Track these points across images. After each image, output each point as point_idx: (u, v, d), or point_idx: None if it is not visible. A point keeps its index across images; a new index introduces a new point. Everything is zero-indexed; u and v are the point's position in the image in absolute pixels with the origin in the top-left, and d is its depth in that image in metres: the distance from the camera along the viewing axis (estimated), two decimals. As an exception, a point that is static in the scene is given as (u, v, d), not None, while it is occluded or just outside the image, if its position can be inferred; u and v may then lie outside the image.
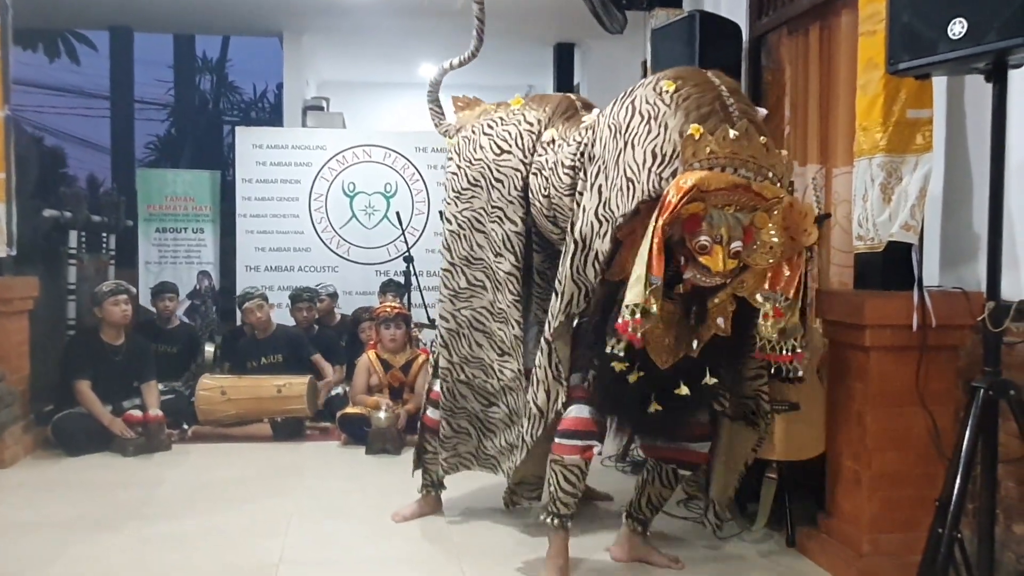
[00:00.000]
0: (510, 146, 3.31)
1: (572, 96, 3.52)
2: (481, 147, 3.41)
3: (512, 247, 3.28)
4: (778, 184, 2.57)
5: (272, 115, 15.07)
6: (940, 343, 2.92)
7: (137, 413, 5.00)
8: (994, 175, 2.22)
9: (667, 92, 2.71)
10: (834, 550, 3.11)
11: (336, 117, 8.50)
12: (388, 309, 5.54)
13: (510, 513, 3.72)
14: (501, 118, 3.43)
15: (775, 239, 2.48)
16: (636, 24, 5.65)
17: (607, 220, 2.73)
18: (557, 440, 2.92)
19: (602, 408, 2.89)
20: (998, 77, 2.18)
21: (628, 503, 3.25)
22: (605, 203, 2.75)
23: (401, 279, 6.77)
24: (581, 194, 2.93)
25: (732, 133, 2.52)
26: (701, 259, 2.45)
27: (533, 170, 3.22)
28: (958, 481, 2.19)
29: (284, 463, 4.78)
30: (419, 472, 3.77)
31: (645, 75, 4.23)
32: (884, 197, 2.93)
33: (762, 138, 2.59)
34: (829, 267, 3.87)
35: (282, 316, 6.43)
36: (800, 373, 2.61)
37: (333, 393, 5.85)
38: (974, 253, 2.95)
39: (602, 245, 2.73)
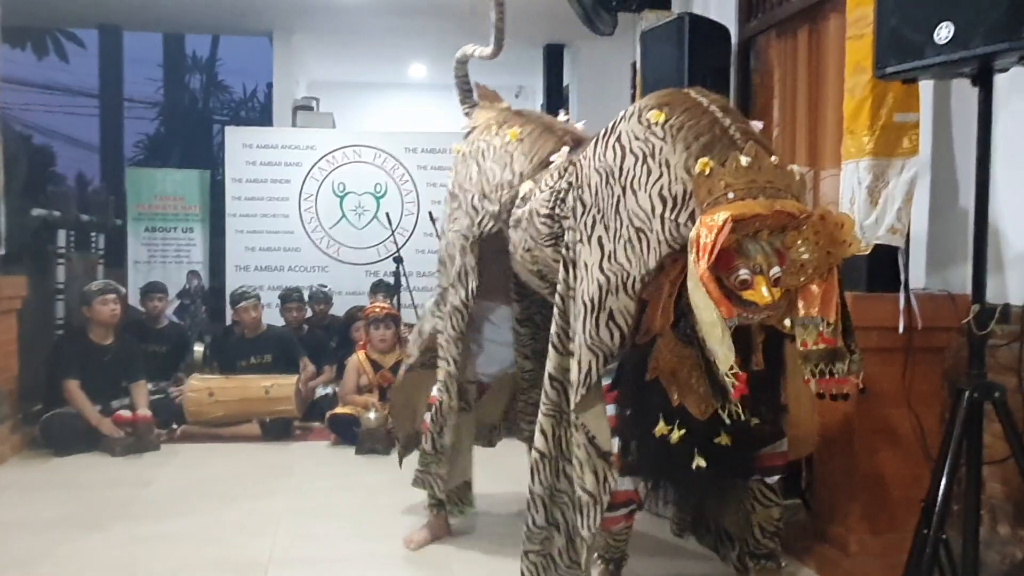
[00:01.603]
0: (492, 191, 3.12)
1: (570, 135, 3.19)
2: (469, 178, 3.23)
3: (465, 283, 3.16)
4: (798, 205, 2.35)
5: (262, 115, 15.01)
6: (926, 345, 2.94)
7: (126, 413, 4.98)
8: (980, 179, 2.24)
9: (657, 124, 2.47)
10: (821, 550, 3.13)
11: (326, 117, 8.49)
12: (378, 310, 5.54)
13: (499, 512, 3.72)
14: (494, 148, 3.20)
15: (805, 255, 2.27)
16: (626, 26, 5.67)
17: (616, 275, 2.47)
18: (608, 514, 2.62)
19: (649, 476, 2.63)
20: (984, 81, 2.19)
21: (745, 544, 2.87)
22: (610, 256, 2.50)
23: (391, 279, 6.77)
24: (566, 246, 2.70)
25: (744, 160, 2.31)
26: (744, 295, 2.22)
27: (512, 224, 3.02)
28: (943, 482, 2.21)
29: (273, 463, 4.77)
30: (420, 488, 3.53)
31: (635, 76, 4.24)
32: (871, 200, 2.95)
33: (773, 158, 2.39)
34: (817, 269, 3.88)
35: (272, 316, 6.41)
36: (846, 391, 2.38)
37: (323, 393, 5.84)
38: (960, 256, 2.97)
39: (617, 303, 2.48)
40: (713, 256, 2.16)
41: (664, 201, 2.40)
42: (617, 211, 2.49)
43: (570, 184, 2.73)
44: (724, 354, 2.17)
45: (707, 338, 2.22)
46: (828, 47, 3.87)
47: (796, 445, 3.34)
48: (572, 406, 2.60)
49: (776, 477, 2.74)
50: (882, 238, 2.93)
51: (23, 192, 6.29)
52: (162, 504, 3.95)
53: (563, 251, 2.71)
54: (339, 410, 5.29)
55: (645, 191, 2.43)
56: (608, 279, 2.48)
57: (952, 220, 3.04)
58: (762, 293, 2.20)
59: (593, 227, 2.57)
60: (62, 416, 4.94)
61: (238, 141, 7.57)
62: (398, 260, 6.64)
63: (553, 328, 2.72)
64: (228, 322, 6.69)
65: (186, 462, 4.77)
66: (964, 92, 2.70)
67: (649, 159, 2.45)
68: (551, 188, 2.81)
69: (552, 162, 2.95)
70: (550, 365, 2.72)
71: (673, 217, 2.37)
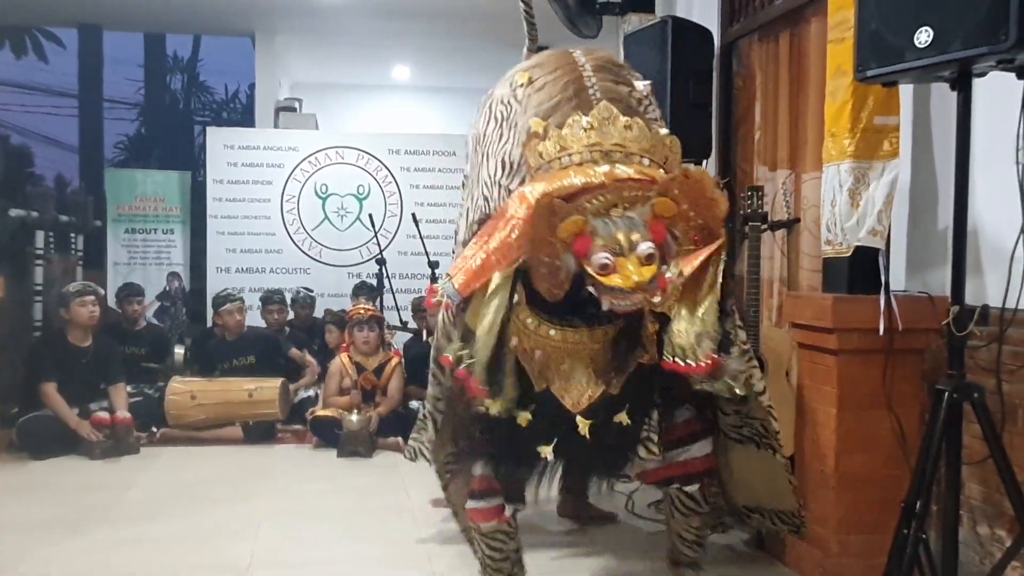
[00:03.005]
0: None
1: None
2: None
3: None
4: (661, 171, 2.15)
5: (244, 116, 14.95)
6: (906, 347, 2.96)
7: (104, 415, 4.93)
8: (958, 182, 2.25)
9: (520, 87, 2.30)
10: (802, 551, 3.14)
11: (309, 118, 8.46)
12: (362, 311, 5.51)
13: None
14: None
15: (699, 220, 2.07)
16: (609, 29, 5.68)
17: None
18: (469, 504, 2.54)
19: (499, 460, 2.45)
20: (963, 85, 2.21)
21: (668, 551, 2.84)
22: (471, 226, 2.33)
23: (374, 281, 6.74)
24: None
25: (585, 121, 2.09)
26: (605, 281, 2.00)
27: None
28: (923, 483, 2.22)
29: (255, 466, 4.74)
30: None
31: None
32: (852, 203, 2.97)
33: (628, 119, 2.14)
34: (798, 271, 3.91)
35: (253, 318, 6.37)
36: (738, 391, 2.20)
37: (305, 395, 5.82)
38: (939, 258, 2.99)
39: None
40: (528, 233, 1.98)
41: (503, 166, 2.25)
42: (478, 178, 2.37)
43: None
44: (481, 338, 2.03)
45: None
46: (810, 50, 3.89)
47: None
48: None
49: (695, 486, 2.56)
50: (863, 240, 2.95)
51: (1, 192, 6.24)
52: (142, 508, 3.91)
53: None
54: (321, 412, 5.26)
55: (494, 156, 2.29)
56: (464, 246, 2.32)
57: (931, 222, 3.06)
58: (627, 275, 1.98)
59: (466, 199, 2.46)
60: (39, 419, 4.89)
61: (220, 142, 7.53)
62: (381, 262, 6.61)
63: None
64: (209, 324, 6.64)
65: (166, 465, 4.73)
66: (943, 96, 2.73)
67: (504, 124, 2.31)
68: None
69: None
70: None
71: (507, 183, 2.20)
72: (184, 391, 5.33)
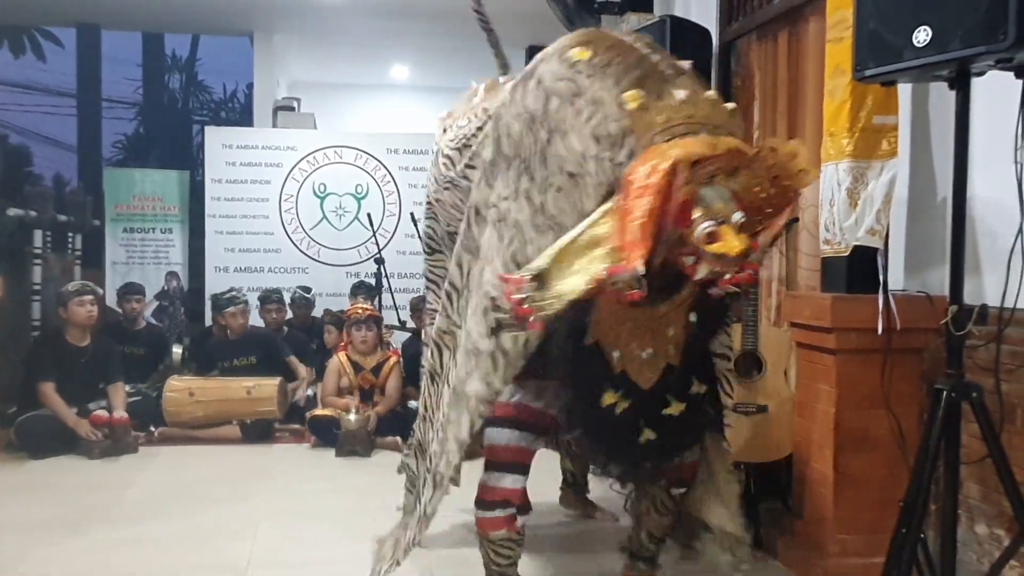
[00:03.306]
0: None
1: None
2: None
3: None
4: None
5: (242, 115, 14.97)
6: (904, 346, 2.96)
7: (103, 413, 4.93)
8: (957, 181, 2.26)
9: (581, 62, 2.25)
10: (800, 551, 3.14)
11: (307, 118, 8.45)
12: (360, 311, 5.51)
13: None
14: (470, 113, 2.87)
15: (762, 194, 2.08)
16: (608, 28, 5.68)
17: (552, 229, 2.21)
18: (479, 513, 2.55)
19: (592, 454, 2.51)
20: (961, 84, 2.21)
21: (627, 539, 2.87)
22: (542, 208, 2.25)
23: (372, 281, 6.74)
24: (475, 207, 2.47)
25: (680, 93, 2.11)
26: (710, 249, 1.98)
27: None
28: (922, 482, 2.22)
29: (253, 465, 4.74)
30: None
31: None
32: (850, 202, 2.97)
33: (708, 93, 2.20)
34: (797, 271, 3.91)
35: (251, 317, 6.36)
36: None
37: (309, 393, 5.81)
38: (938, 257, 2.99)
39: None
40: (664, 196, 1.94)
41: (599, 141, 2.16)
42: (544, 158, 2.25)
43: (478, 130, 2.52)
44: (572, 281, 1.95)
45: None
46: (808, 50, 3.89)
47: (775, 446, 3.38)
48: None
49: (682, 490, 2.64)
50: (861, 240, 2.95)
51: (-1, 192, 6.23)
52: (140, 507, 3.91)
53: (468, 208, 2.47)
54: (319, 412, 5.26)
55: (577, 133, 2.20)
56: (545, 237, 2.21)
57: (930, 222, 3.07)
58: (731, 243, 1.97)
59: (519, 180, 2.33)
60: (38, 418, 4.88)
61: (218, 141, 7.52)
62: (379, 261, 6.61)
63: (447, 282, 2.51)
64: (208, 323, 6.63)
65: (165, 465, 4.73)
66: (942, 95, 2.73)
67: (576, 98, 2.22)
68: (462, 130, 2.63)
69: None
70: (438, 321, 2.55)
71: (609, 156, 2.14)
72: (182, 388, 5.33)
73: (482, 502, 2.54)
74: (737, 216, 2.01)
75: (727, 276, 2.05)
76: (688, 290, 2.17)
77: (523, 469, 2.55)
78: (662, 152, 1.98)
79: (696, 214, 1.99)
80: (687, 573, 3.17)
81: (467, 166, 2.58)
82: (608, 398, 2.22)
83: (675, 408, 2.27)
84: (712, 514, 2.72)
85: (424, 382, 2.76)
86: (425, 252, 3.11)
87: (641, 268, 1.91)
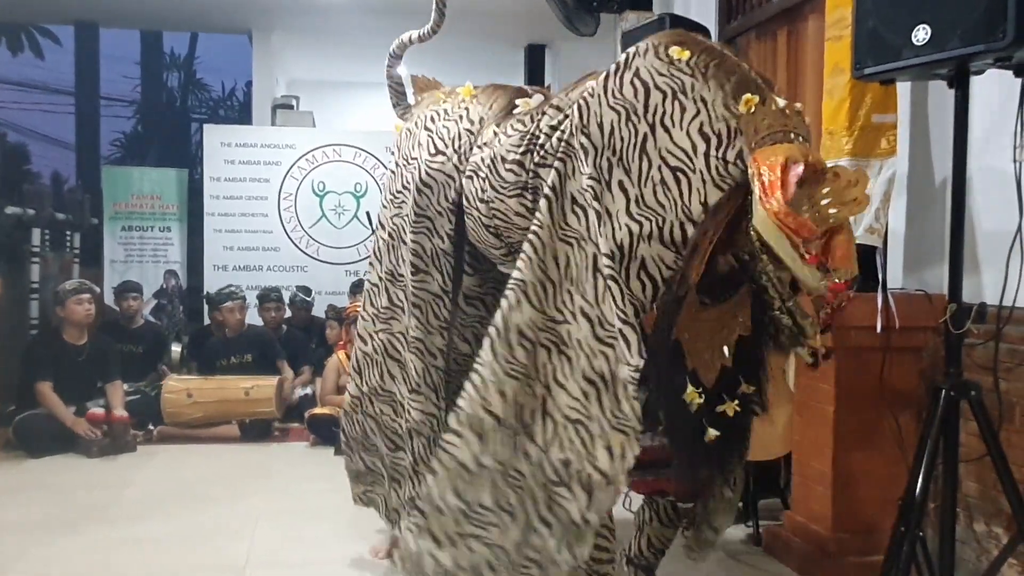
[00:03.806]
0: (446, 146, 2.83)
1: (530, 88, 3.02)
2: (419, 144, 2.92)
3: (440, 265, 2.86)
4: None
5: (241, 113, 14.97)
6: (903, 344, 2.97)
7: (99, 411, 4.92)
8: (956, 179, 2.26)
9: (681, 60, 2.29)
10: (799, 549, 3.14)
11: (306, 116, 8.45)
12: (358, 309, 5.50)
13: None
14: (446, 111, 2.94)
15: (832, 211, 2.08)
16: (607, 26, 5.68)
17: (649, 220, 2.24)
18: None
19: (675, 452, 2.42)
20: (960, 83, 2.21)
21: (627, 547, 2.82)
22: (638, 201, 2.27)
23: (371, 279, 6.74)
24: (534, 194, 2.50)
25: (780, 102, 2.17)
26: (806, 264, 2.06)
27: (468, 173, 2.74)
28: (920, 480, 2.22)
29: (252, 464, 4.74)
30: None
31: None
32: (850, 200, 2.96)
33: (797, 105, 2.26)
34: (796, 269, 3.91)
35: (250, 316, 6.36)
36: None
37: (302, 393, 5.81)
38: (937, 256, 2.99)
39: (650, 251, 2.25)
40: (789, 192, 1.98)
41: (707, 139, 2.21)
42: (644, 151, 2.28)
43: (553, 128, 2.51)
44: (811, 273, 2.03)
45: (792, 269, 2.04)
46: (807, 48, 3.89)
47: (774, 444, 3.37)
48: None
49: (689, 505, 2.63)
50: (861, 238, 2.95)
51: (-3, 190, 6.23)
52: (139, 506, 3.90)
53: (559, 199, 2.42)
54: (318, 411, 5.26)
55: (681, 128, 2.24)
56: (640, 225, 2.25)
57: (929, 220, 3.07)
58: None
59: (610, 171, 2.33)
60: (36, 417, 4.88)
61: (216, 140, 7.52)
62: (378, 260, 6.61)
63: (527, 275, 2.40)
64: (206, 322, 6.63)
65: (163, 463, 4.72)
66: (941, 93, 2.73)
67: (680, 95, 2.26)
68: (522, 132, 2.59)
69: (517, 107, 2.76)
70: (519, 318, 2.40)
71: (720, 155, 2.18)
72: (180, 389, 5.32)
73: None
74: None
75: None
76: (745, 290, 2.17)
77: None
78: (782, 152, 2.03)
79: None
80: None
81: (538, 165, 2.52)
82: (691, 395, 2.20)
83: (729, 407, 2.25)
84: (711, 506, 2.69)
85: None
86: (411, 272, 2.91)
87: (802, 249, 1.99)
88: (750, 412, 2.38)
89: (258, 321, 6.35)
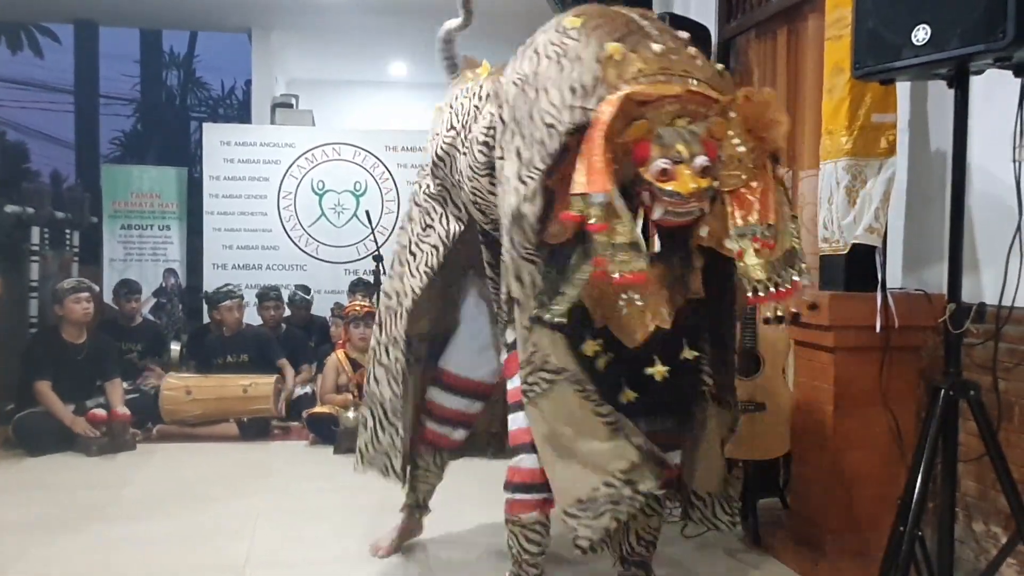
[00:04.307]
0: (457, 121, 2.84)
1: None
2: (442, 121, 2.95)
3: (447, 226, 2.95)
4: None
5: (240, 112, 14.95)
6: (902, 344, 2.97)
7: (100, 412, 4.92)
8: (955, 179, 2.26)
9: (573, 28, 2.37)
10: (798, 548, 3.15)
11: (305, 115, 8.44)
12: (358, 308, 5.51)
13: (479, 509, 3.71)
14: (467, 88, 2.93)
15: (742, 147, 2.13)
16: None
17: (532, 179, 2.27)
18: (509, 496, 2.54)
19: None
20: (960, 83, 2.22)
21: (617, 544, 2.79)
22: (528, 164, 2.33)
23: (370, 278, 6.74)
24: (496, 176, 2.56)
25: (656, 47, 2.20)
26: (664, 186, 2.08)
27: (463, 151, 2.78)
28: (919, 480, 2.23)
29: (251, 463, 4.74)
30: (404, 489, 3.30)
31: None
32: (849, 200, 2.97)
33: (694, 50, 2.29)
34: (795, 268, 3.91)
35: (249, 315, 6.37)
36: (794, 309, 2.27)
37: (301, 392, 5.82)
38: (936, 256, 3.00)
39: (531, 208, 2.26)
40: (610, 128, 2.02)
41: (574, 91, 2.24)
42: (531, 116, 2.33)
43: (499, 107, 2.56)
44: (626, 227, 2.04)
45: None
46: (807, 48, 3.89)
47: (773, 443, 3.38)
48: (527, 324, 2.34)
49: (662, 491, 2.55)
50: (860, 238, 2.96)
51: (-4, 189, 6.23)
52: (138, 505, 3.90)
53: (496, 177, 2.54)
54: (317, 409, 5.26)
55: (556, 88, 2.29)
56: (526, 184, 2.28)
57: (928, 220, 3.07)
58: (685, 182, 2.06)
59: (512, 139, 2.41)
60: (35, 416, 4.87)
61: (216, 138, 7.51)
62: (378, 259, 6.58)
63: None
64: (205, 320, 6.63)
65: (163, 462, 4.72)
66: (940, 93, 2.73)
67: (562, 58, 2.32)
68: (490, 113, 2.64)
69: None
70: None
71: (582, 104, 2.21)
72: (179, 387, 5.32)
73: (513, 485, 2.52)
74: (701, 160, 2.08)
75: (763, 294, 2.13)
76: (694, 256, 2.22)
77: None
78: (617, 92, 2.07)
79: (653, 152, 2.08)
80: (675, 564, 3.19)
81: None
82: (589, 347, 2.24)
83: (658, 371, 2.28)
84: (704, 483, 2.67)
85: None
86: (420, 228, 3.05)
87: (607, 189, 2.01)
88: (696, 378, 2.42)
89: (257, 320, 6.35)
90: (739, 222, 2.13)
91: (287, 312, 6.60)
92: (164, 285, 7.88)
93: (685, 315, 2.29)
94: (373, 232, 6.88)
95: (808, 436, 3.16)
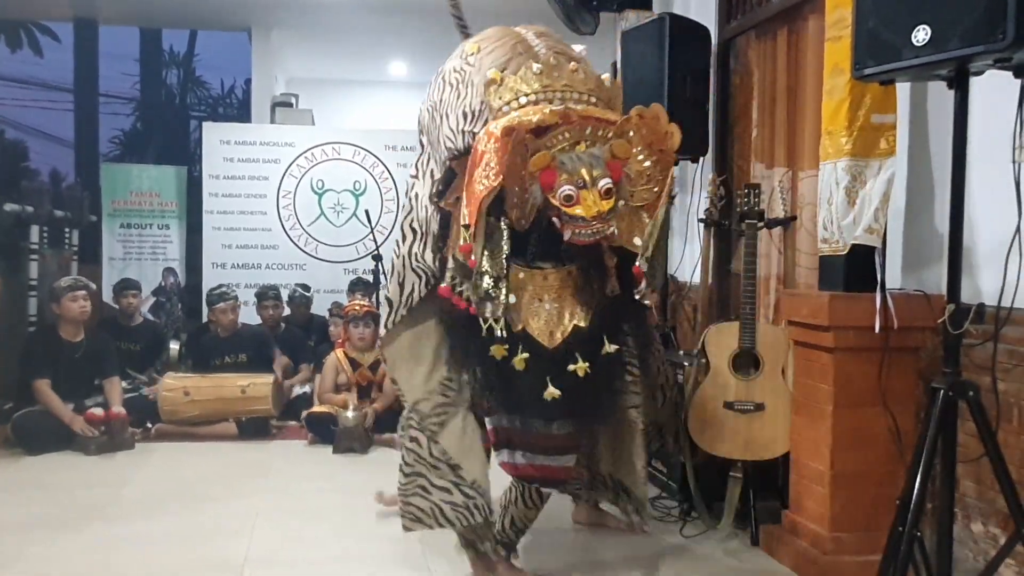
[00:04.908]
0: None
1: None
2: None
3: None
4: (610, 112, 2.42)
5: (240, 111, 14.95)
6: (902, 344, 2.97)
7: (99, 411, 4.91)
8: (955, 180, 2.26)
9: (471, 55, 2.58)
10: (797, 548, 3.15)
11: (305, 114, 8.44)
12: (357, 307, 5.51)
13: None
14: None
15: (647, 163, 2.31)
16: (606, 25, 5.68)
17: (435, 202, 2.60)
18: (501, 458, 2.75)
19: (503, 409, 2.61)
20: (960, 84, 2.21)
21: (495, 532, 2.93)
22: (438, 186, 2.59)
23: (370, 277, 6.74)
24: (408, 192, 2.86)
25: (536, 67, 2.36)
26: (571, 211, 2.26)
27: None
28: (918, 480, 2.23)
29: (250, 462, 4.74)
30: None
31: (615, 76, 4.25)
32: (848, 201, 2.97)
33: (575, 64, 2.44)
34: (795, 269, 3.92)
35: (248, 314, 6.36)
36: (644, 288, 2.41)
37: (300, 392, 5.81)
38: (935, 256, 3.00)
39: (435, 226, 2.60)
40: (495, 169, 2.20)
41: (465, 116, 2.45)
42: (439, 140, 2.55)
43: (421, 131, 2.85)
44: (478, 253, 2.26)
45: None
46: (807, 48, 3.89)
47: (773, 443, 3.38)
48: (390, 327, 2.73)
49: (550, 490, 2.81)
50: (860, 238, 2.96)
51: (-5, 187, 6.23)
52: (137, 504, 3.90)
53: (409, 190, 2.87)
54: (316, 409, 5.25)
55: (453, 113, 2.50)
56: (434, 207, 2.54)
57: (928, 221, 3.07)
58: (589, 206, 2.23)
59: (428, 163, 2.69)
60: (34, 415, 4.87)
61: (216, 137, 7.51)
62: (377, 258, 6.59)
63: None
64: (204, 320, 6.63)
65: (161, 461, 4.72)
66: (940, 94, 2.73)
67: (460, 85, 2.54)
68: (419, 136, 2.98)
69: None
70: None
71: (470, 129, 2.40)
72: (177, 387, 5.32)
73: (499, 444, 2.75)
74: (604, 183, 2.26)
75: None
76: (605, 257, 2.40)
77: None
78: (498, 121, 2.26)
79: (559, 180, 2.25)
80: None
81: None
82: (497, 351, 2.38)
83: (580, 367, 2.40)
84: (627, 477, 2.88)
85: None
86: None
87: (471, 222, 2.23)
88: (619, 370, 2.61)
89: (256, 319, 6.35)
90: (647, 220, 2.35)
91: (286, 311, 6.60)
92: (163, 284, 7.87)
93: (603, 312, 2.45)
94: (372, 231, 6.90)
95: (807, 436, 3.16)
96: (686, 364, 3.71)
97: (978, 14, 2.02)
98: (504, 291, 2.31)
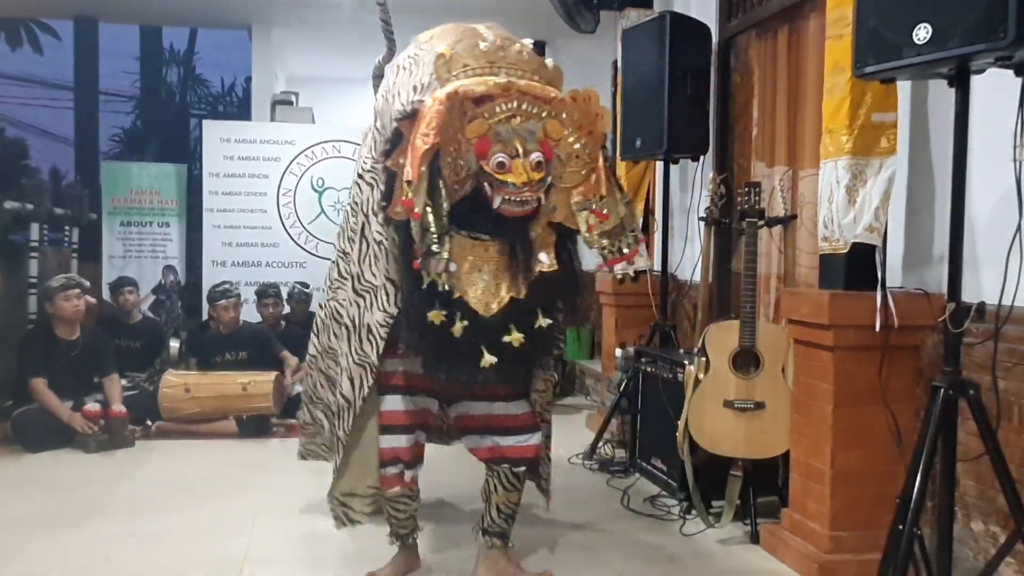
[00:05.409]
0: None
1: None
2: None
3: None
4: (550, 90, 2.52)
5: (240, 109, 14.95)
6: (902, 343, 2.97)
7: (95, 407, 4.91)
8: (956, 178, 2.26)
9: (425, 42, 2.72)
10: (797, 546, 3.15)
11: (305, 112, 8.43)
12: (356, 306, 5.50)
13: (473, 507, 3.71)
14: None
15: (577, 144, 2.45)
16: (607, 24, 5.68)
17: (378, 164, 2.69)
18: (381, 471, 2.85)
19: (431, 370, 2.66)
20: (961, 82, 2.22)
21: (480, 519, 2.98)
22: (384, 144, 2.63)
23: (370, 276, 6.73)
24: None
25: (483, 45, 2.49)
26: (502, 178, 2.38)
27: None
28: (918, 479, 2.23)
29: (250, 460, 4.73)
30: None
31: (616, 74, 4.26)
32: (849, 199, 2.97)
33: (521, 46, 2.58)
34: (795, 268, 3.92)
35: (248, 312, 6.36)
36: (642, 265, 2.62)
37: (300, 390, 5.80)
38: (936, 255, 3.00)
39: (380, 189, 2.68)
40: (437, 126, 2.28)
41: (415, 89, 2.55)
42: (390, 119, 2.59)
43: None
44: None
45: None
46: (808, 47, 3.89)
47: (773, 442, 3.38)
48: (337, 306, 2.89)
49: (522, 468, 2.87)
50: (860, 237, 2.95)
51: (-5, 185, 6.22)
52: (136, 502, 3.90)
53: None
54: (317, 407, 5.25)
55: (404, 90, 2.59)
56: (382, 165, 2.60)
57: (928, 219, 3.07)
58: (519, 174, 2.35)
59: (378, 145, 2.73)
60: (33, 412, 4.87)
61: (216, 135, 7.50)
62: (377, 257, 6.61)
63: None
64: (204, 317, 6.63)
65: (161, 459, 4.72)
66: (941, 92, 2.73)
67: (412, 66, 2.65)
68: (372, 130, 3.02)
69: None
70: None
71: (419, 98, 2.46)
72: (178, 384, 5.32)
73: (380, 463, 2.85)
74: (535, 156, 2.39)
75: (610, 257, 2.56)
76: (538, 230, 2.50)
77: (409, 429, 2.85)
78: (444, 88, 2.35)
79: (493, 148, 2.38)
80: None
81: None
82: (435, 316, 2.45)
83: (515, 338, 2.48)
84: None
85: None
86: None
87: (413, 177, 2.30)
88: (550, 345, 2.70)
89: (257, 317, 6.34)
90: (578, 199, 2.49)
91: (287, 309, 6.59)
92: (163, 282, 7.87)
93: (539, 286, 2.53)
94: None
95: (807, 435, 3.16)
96: (686, 363, 3.71)
97: (979, 13, 2.02)
98: (446, 249, 2.39)
